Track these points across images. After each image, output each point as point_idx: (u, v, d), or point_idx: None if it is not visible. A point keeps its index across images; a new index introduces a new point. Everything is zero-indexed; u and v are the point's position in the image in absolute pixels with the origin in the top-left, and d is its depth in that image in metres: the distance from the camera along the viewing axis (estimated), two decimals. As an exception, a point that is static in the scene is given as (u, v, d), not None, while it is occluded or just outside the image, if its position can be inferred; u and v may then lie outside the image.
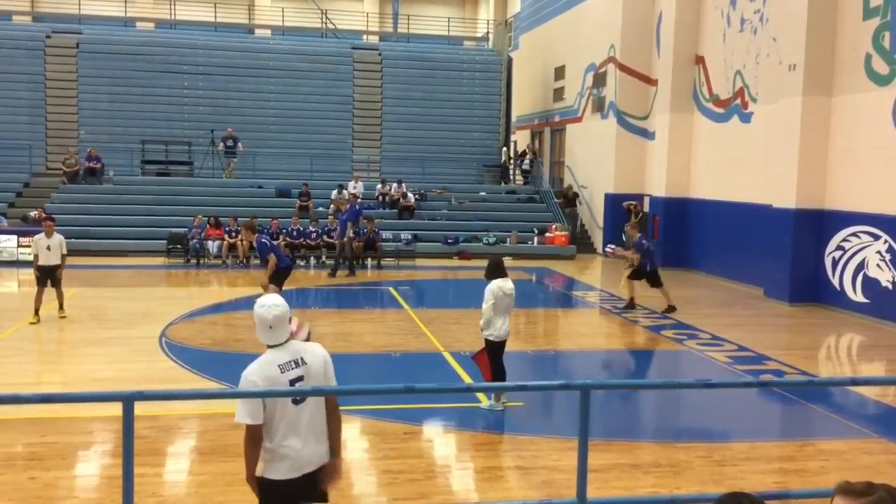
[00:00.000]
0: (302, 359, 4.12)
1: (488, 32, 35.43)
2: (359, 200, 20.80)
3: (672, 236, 20.44)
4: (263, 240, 12.55)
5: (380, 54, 29.42)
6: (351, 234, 18.65)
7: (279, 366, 4.05)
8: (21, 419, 7.51)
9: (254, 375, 4.03)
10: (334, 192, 23.13)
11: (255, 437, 4.00)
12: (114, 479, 6.25)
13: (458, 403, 8.68)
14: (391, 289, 16.76)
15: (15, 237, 19.09)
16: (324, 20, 33.98)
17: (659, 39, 21.57)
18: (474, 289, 10.22)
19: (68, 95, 26.39)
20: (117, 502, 5.14)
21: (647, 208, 21.59)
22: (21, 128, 25.53)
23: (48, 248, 12.41)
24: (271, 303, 4.09)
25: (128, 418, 3.72)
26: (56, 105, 26.29)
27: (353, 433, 7.60)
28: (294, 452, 4.02)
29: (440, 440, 7.74)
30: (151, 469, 6.52)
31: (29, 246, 13.84)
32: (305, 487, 4.08)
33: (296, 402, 4.03)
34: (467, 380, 9.49)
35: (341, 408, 4.39)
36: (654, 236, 20.79)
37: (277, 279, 12.07)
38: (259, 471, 4.09)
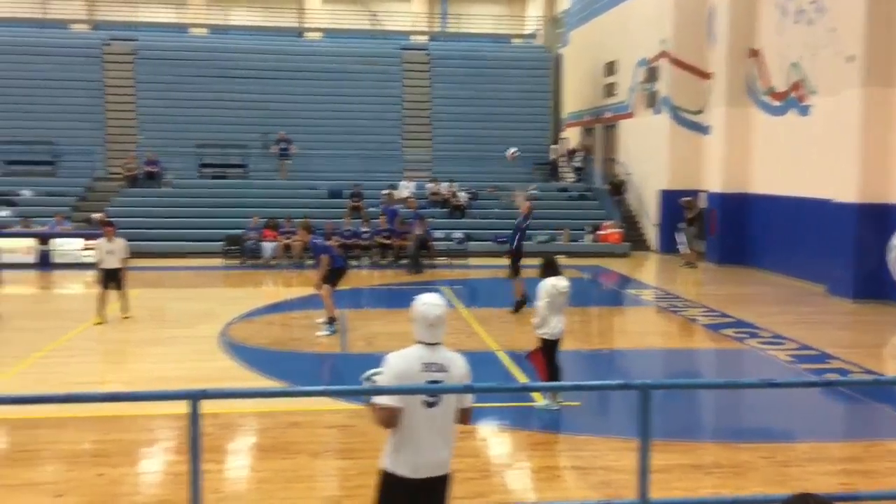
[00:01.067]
0: (446, 366, 4.15)
1: (538, 29, 35.26)
2: (404, 201, 21.10)
3: (730, 232, 20.05)
4: (317, 240, 12.69)
5: (428, 54, 29.50)
6: (419, 232, 19.12)
7: (424, 363, 4.10)
8: (87, 417, 7.70)
9: (394, 361, 4.12)
10: (387, 192, 23.25)
11: (387, 420, 4.04)
12: (178, 475, 6.39)
13: (514, 403, 8.65)
14: (444, 288, 16.79)
15: (79, 240, 19.63)
16: (372, 21, 34.22)
17: (712, 32, 21.19)
18: (527, 288, 10.19)
19: (126, 101, 27.05)
20: (181, 498, 5.26)
21: (704, 204, 21.23)
22: (82, 133, 26.25)
23: (109, 251, 12.72)
24: (434, 301, 4.17)
25: (194, 416, 3.79)
26: (115, 111, 26.97)
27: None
28: (419, 453, 4.06)
29: (496, 439, 7.73)
30: (214, 466, 6.63)
31: (92, 248, 14.20)
32: (425, 490, 4.11)
33: (430, 403, 4.06)
34: (522, 379, 9.46)
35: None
36: (711, 232, 20.46)
37: (332, 279, 12.19)
38: (383, 462, 4.15)
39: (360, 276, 18.50)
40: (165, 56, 27.41)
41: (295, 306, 14.35)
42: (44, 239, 19.71)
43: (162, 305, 14.52)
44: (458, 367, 4.22)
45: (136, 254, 18.78)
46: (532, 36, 35.76)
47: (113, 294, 12.82)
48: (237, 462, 7.03)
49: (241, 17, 35.13)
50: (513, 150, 18.36)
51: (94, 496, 6.13)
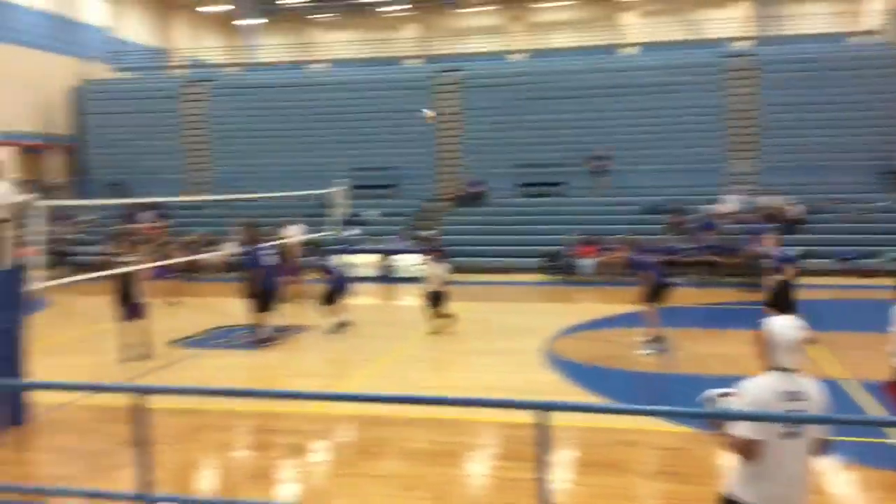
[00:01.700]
0: (804, 394, 3.91)
1: (880, 24, 31.67)
2: (728, 216, 19.81)
3: None
4: (639, 256, 12.50)
5: (754, 60, 27.82)
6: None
7: (782, 391, 3.87)
8: (423, 419, 8.30)
9: (751, 389, 3.90)
10: (708, 207, 22.29)
11: (746, 452, 3.85)
12: (512, 481, 6.66)
13: (862, 437, 7.74)
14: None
15: (412, 256, 21.43)
16: (691, 31, 33.15)
17: None
18: (876, 310, 9.08)
19: (453, 127, 29.03)
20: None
21: None
22: (417, 159, 28.64)
23: (435, 273, 13.74)
24: (793, 324, 4.00)
25: (542, 427, 3.89)
26: (443, 137, 29.07)
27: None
28: (774, 485, 3.85)
29: (844, 477, 6.97)
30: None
31: (424, 264, 15.42)
32: None
33: (789, 434, 3.83)
34: (874, 412, 8.45)
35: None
36: None
37: (655, 297, 11.93)
38: (729, 489, 4.01)
39: (684, 294, 17.86)
40: (488, 83, 28.98)
41: (616, 323, 14.27)
42: (387, 255, 21.81)
43: (486, 318, 15.24)
44: (816, 395, 3.91)
45: (460, 269, 20.07)
46: (872, 32, 32.20)
47: (432, 308, 13.78)
48: (567, 475, 7.10)
49: (558, 40, 36.05)
50: (429, 112, 16.70)
51: (439, 493, 6.57)
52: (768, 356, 3.94)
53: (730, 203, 22.51)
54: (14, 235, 8.44)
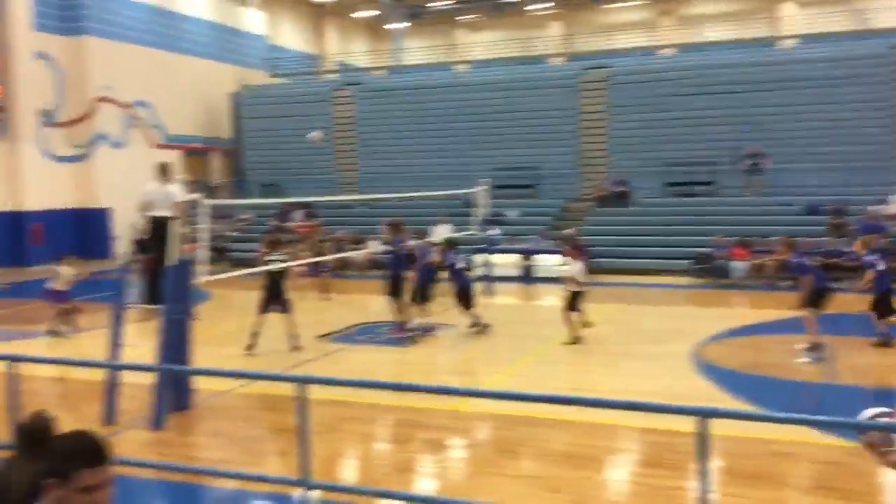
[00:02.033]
0: None
1: None
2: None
3: None
4: (800, 259, 11.81)
5: (931, 48, 25.69)
6: None
7: None
8: (565, 420, 8.18)
9: None
10: (874, 207, 20.80)
11: None
12: (658, 489, 6.45)
13: None
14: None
15: (556, 256, 21.20)
16: (857, 21, 31.03)
17: None
18: None
19: (599, 126, 28.53)
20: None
21: None
22: (560, 158, 28.38)
23: (574, 273, 13.22)
24: None
25: (702, 433, 3.74)
26: (588, 136, 28.64)
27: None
28: None
29: None
30: (693, 484, 6.49)
31: (564, 264, 15.11)
32: None
33: None
34: None
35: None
36: None
37: (815, 302, 11.24)
38: None
39: (846, 301, 16.74)
40: (637, 80, 28.27)
41: (771, 329, 13.55)
42: (527, 255, 21.72)
43: (631, 320, 14.87)
44: None
45: (604, 270, 19.70)
46: None
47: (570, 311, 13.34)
48: (721, 486, 6.76)
49: (712, 33, 34.74)
50: (315, 134, 16.56)
51: (584, 498, 6.45)
52: None
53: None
54: (183, 233, 9.01)
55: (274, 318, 12.33)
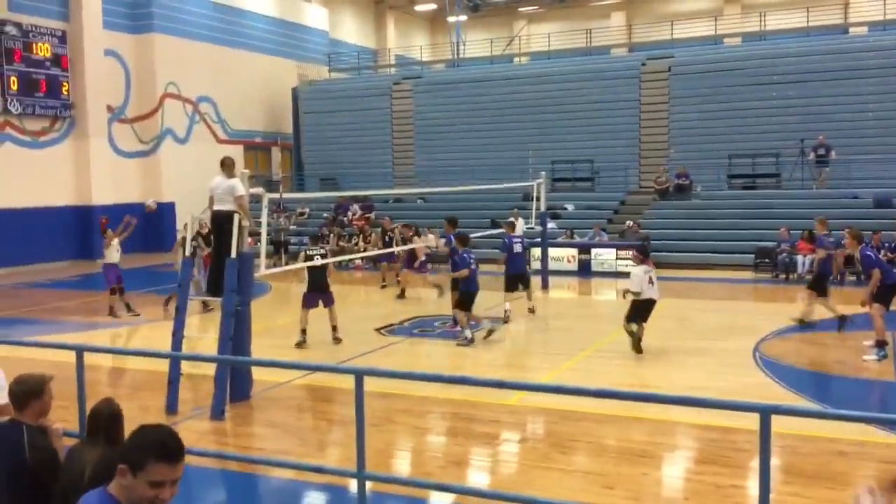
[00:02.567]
0: None
1: None
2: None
3: None
4: (868, 252, 11.43)
5: None
6: None
7: None
8: (621, 416, 8.09)
9: None
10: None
11: None
12: (715, 486, 6.33)
13: None
14: None
15: (614, 250, 20.96)
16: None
17: None
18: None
19: (660, 117, 28.05)
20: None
21: None
22: (619, 150, 28.01)
23: (635, 272, 12.40)
24: None
25: (765, 430, 3.66)
26: (649, 127, 28.18)
27: None
28: None
29: None
30: (752, 483, 6.36)
31: (626, 259, 14.91)
32: None
33: None
34: None
35: None
36: None
37: (884, 297, 10.87)
38: None
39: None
40: (700, 70, 27.69)
41: (833, 326, 13.13)
42: (584, 249, 21.49)
43: (691, 315, 14.60)
44: None
45: (665, 264, 19.35)
46: None
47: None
48: (784, 485, 6.60)
49: (778, 21, 33.78)
50: (150, 202, 18.13)
51: (641, 494, 6.37)
52: None
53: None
54: (244, 226, 9.16)
55: (322, 312, 12.42)
